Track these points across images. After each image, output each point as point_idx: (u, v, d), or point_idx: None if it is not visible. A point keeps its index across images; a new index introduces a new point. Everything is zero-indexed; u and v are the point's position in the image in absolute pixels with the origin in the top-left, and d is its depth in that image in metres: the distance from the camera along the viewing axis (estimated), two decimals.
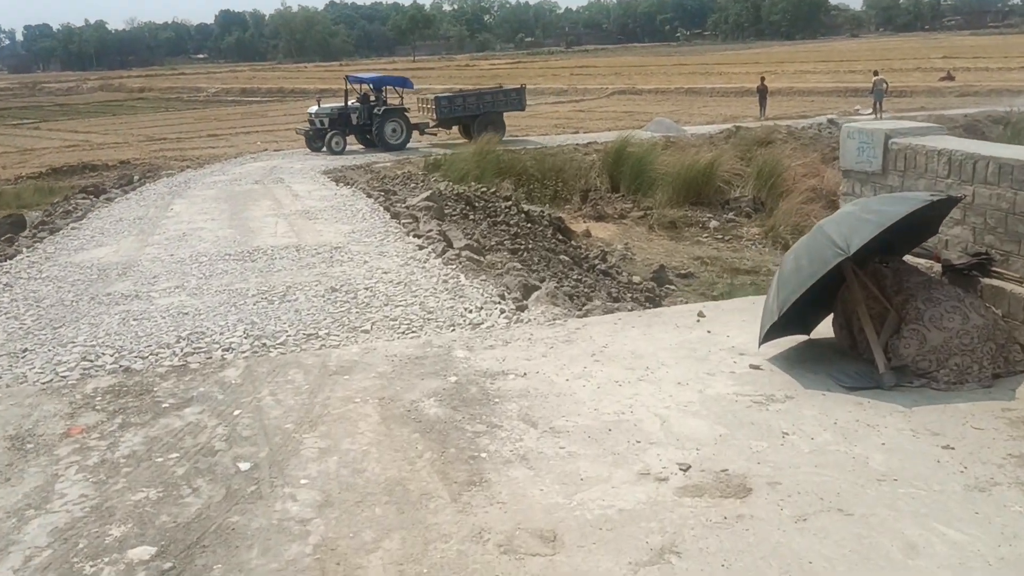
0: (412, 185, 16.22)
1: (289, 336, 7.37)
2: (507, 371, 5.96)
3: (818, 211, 18.18)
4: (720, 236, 17.83)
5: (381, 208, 12.95)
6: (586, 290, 10.14)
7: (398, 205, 12.12)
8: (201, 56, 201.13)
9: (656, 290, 12.74)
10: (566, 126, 36.45)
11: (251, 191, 16.31)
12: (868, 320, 5.62)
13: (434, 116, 27.97)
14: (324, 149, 25.77)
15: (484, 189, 13.95)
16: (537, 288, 8.33)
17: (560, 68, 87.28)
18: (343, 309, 8.12)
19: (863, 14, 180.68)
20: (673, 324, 6.90)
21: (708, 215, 18.89)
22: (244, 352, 6.99)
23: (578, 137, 29.84)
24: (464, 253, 9.45)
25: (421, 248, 10.20)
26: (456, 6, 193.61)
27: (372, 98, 27.13)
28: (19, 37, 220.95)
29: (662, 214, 18.41)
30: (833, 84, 53.03)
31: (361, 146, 27.50)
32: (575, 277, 10.81)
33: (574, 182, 22.31)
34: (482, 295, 8.25)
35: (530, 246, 11.36)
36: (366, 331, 7.39)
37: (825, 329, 6.35)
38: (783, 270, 5.89)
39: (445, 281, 8.83)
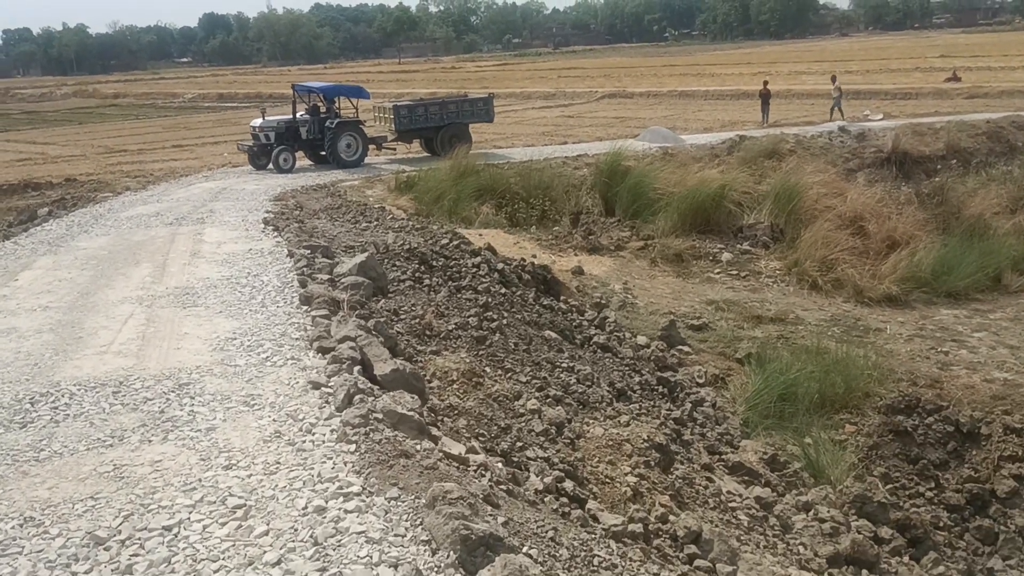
0: (364, 224, 13.49)
1: None
2: None
3: (846, 241, 15.77)
4: (735, 272, 15.36)
5: (296, 281, 9.37)
6: (582, 386, 7.61)
7: (321, 276, 9.24)
8: (185, 60, 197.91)
9: (668, 358, 10.24)
10: (554, 134, 33.96)
11: (147, 242, 12.76)
12: None
13: (393, 128, 25.21)
14: (271, 167, 23.05)
15: (446, 241, 11.26)
16: (489, 544, 4.17)
17: (548, 70, 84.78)
18: None
19: (852, 13, 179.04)
20: None
21: (719, 246, 16.38)
22: None
23: (567, 148, 27.30)
24: (381, 404, 5.59)
25: (316, 387, 6.38)
26: (442, 7, 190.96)
27: (323, 109, 24.39)
28: None
29: (665, 245, 15.91)
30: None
31: (312, 163, 24.71)
32: (564, 364, 8.24)
33: (563, 202, 19.93)
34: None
35: (505, 321, 8.72)
36: None
37: None
38: None
39: (321, 509, 4.80)
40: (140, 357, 7.49)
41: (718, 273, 15.36)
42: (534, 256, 14.69)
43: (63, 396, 6.78)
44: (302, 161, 24.56)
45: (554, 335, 9.24)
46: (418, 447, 5.08)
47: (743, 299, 13.87)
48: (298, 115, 24.15)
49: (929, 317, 13.84)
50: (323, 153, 24.07)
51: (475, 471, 5.02)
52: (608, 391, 7.98)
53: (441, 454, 4.99)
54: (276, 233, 12.21)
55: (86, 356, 7.67)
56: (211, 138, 40.32)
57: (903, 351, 12.07)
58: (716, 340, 11.99)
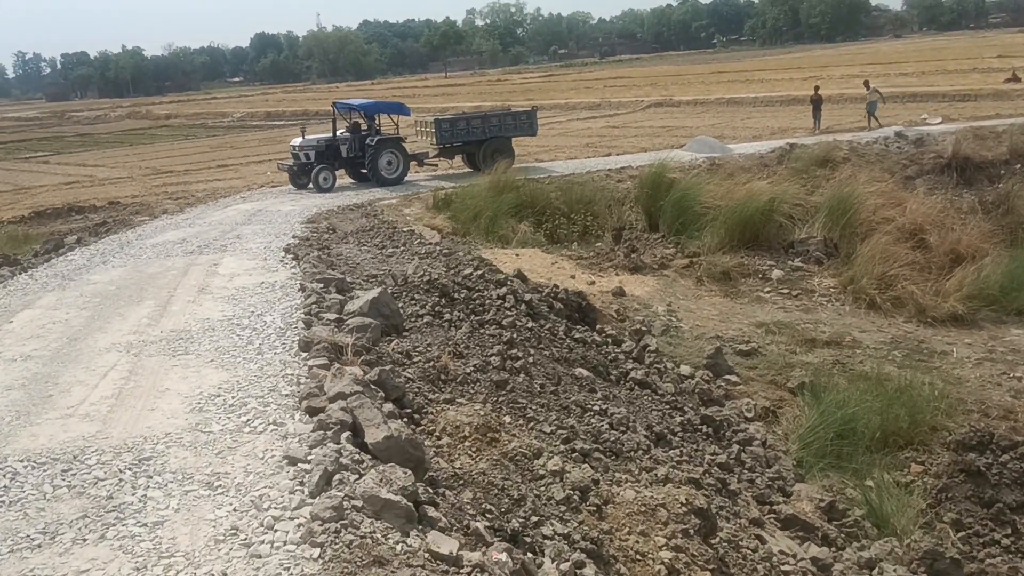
0: (391, 249, 12.95)
1: None
2: None
3: (906, 255, 14.84)
4: (786, 290, 14.52)
5: (302, 321, 8.57)
6: (615, 433, 6.92)
7: (328, 315, 8.64)
8: (236, 79, 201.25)
9: (713, 390, 9.50)
10: (598, 146, 33.30)
11: (159, 275, 11.99)
12: None
13: (434, 142, 24.79)
14: (311, 186, 22.79)
15: (470, 270, 10.56)
16: None
17: (593, 80, 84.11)
18: None
19: (905, 14, 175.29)
20: None
21: (769, 262, 15.54)
22: None
23: (611, 160, 26.61)
24: (362, 488, 4.73)
25: (293, 463, 5.47)
26: (488, 20, 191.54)
27: (364, 127, 24.08)
28: (58, 65, 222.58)
29: (712, 262, 15.14)
30: (887, 88, 49.11)
31: (352, 181, 24.38)
32: (596, 407, 7.55)
33: (606, 217, 19.29)
34: None
35: (531, 359, 8.05)
36: None
37: None
38: None
39: None
40: (107, 421, 6.66)
41: (768, 292, 14.53)
42: (572, 276, 14.05)
43: (5, 476, 5.90)
44: (343, 179, 24.28)
45: (586, 373, 8.54)
46: (398, 548, 4.23)
47: (795, 320, 13.04)
48: (338, 133, 23.90)
49: (999, 338, 12.84)
50: (364, 171, 23.79)
51: (468, 575, 4.20)
52: (645, 436, 7.25)
53: (427, 555, 4.17)
54: (295, 262, 11.59)
55: (48, 421, 6.83)
56: (255, 157, 40.47)
57: (972, 377, 11.14)
58: (766, 367, 11.20)
